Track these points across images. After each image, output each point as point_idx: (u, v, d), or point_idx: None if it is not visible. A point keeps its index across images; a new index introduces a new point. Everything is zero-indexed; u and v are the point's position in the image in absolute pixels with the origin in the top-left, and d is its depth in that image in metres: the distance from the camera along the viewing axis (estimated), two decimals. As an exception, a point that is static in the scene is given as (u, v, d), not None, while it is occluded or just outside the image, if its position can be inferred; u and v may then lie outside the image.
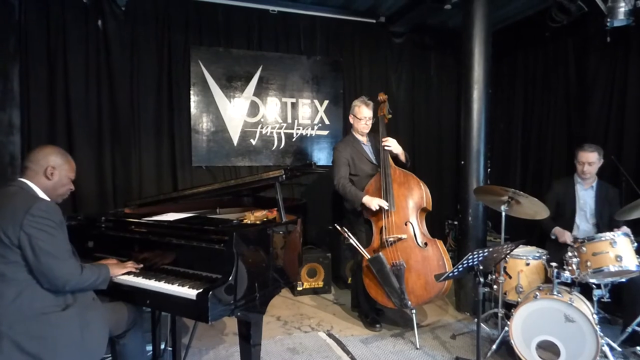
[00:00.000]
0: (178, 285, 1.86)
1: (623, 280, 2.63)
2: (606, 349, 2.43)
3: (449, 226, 4.91)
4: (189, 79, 4.16)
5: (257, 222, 2.56)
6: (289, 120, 4.55)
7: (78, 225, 2.39)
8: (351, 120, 3.41)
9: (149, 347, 2.47)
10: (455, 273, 2.28)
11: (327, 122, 4.69)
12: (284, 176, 2.31)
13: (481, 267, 2.30)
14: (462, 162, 3.60)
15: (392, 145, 3.24)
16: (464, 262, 2.19)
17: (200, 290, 1.75)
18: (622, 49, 3.70)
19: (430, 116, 5.15)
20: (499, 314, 2.91)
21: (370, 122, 3.35)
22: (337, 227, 3.03)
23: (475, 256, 2.18)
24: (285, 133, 4.54)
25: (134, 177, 3.91)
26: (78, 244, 2.01)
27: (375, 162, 3.34)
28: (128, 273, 2.03)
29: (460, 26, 3.70)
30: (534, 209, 2.89)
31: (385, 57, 4.91)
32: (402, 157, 3.32)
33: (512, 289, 3.04)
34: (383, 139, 3.25)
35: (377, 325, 3.24)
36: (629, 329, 2.70)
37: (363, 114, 3.31)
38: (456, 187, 4.56)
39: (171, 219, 2.35)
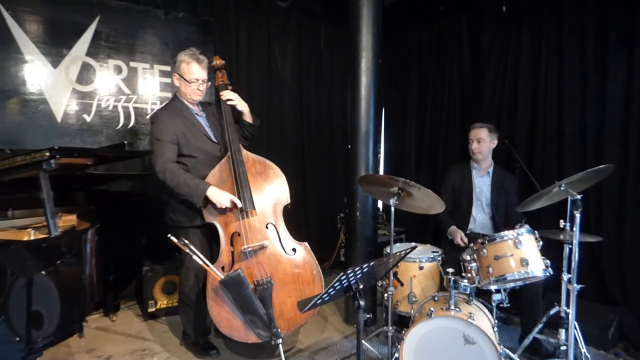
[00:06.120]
0: None
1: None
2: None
3: (341, 220, 4.37)
4: (-20, 28, 2.94)
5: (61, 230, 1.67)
6: (140, 92, 3.53)
7: None
8: (176, 82, 2.44)
9: None
10: (326, 298, 1.60)
11: (192, 96, 3.76)
12: (52, 162, 1.40)
13: (361, 286, 1.67)
14: (350, 146, 2.99)
15: (235, 98, 2.49)
16: (336, 284, 1.52)
17: None
18: (515, 24, 3.41)
19: (320, 95, 4.51)
20: (389, 333, 2.35)
21: (204, 88, 2.43)
22: (173, 238, 2.08)
23: (351, 275, 1.53)
24: (135, 108, 3.51)
25: None
26: None
27: (216, 141, 2.48)
28: None
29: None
30: (427, 202, 2.37)
31: (268, 22, 4.12)
32: (249, 117, 2.55)
33: (404, 299, 2.53)
34: (221, 93, 2.49)
35: (213, 352, 2.53)
36: (530, 337, 2.34)
37: (194, 74, 2.36)
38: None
39: None
